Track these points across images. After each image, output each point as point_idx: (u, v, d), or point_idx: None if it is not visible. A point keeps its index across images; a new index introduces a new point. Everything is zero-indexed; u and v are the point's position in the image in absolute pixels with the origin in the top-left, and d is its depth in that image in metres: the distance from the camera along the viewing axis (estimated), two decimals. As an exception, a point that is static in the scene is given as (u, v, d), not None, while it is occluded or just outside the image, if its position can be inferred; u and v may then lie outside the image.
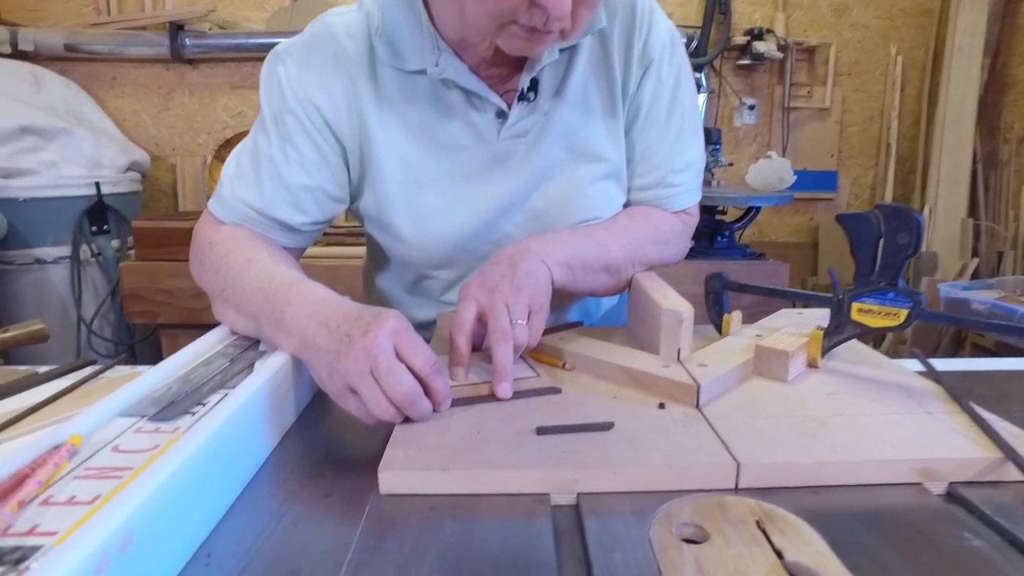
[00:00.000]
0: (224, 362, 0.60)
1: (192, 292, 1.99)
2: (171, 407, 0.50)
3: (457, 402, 0.58)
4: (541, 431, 0.53)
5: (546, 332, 0.74)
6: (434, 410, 0.54)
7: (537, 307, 0.63)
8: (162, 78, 2.56)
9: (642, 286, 0.72)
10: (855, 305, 0.63)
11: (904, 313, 0.60)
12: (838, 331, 0.65)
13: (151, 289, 1.99)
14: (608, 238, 0.75)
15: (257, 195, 0.72)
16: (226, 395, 0.52)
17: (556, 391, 0.61)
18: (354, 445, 0.57)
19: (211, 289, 0.69)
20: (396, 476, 0.47)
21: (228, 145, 2.46)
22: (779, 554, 0.40)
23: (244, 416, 0.49)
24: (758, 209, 2.08)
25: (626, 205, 0.83)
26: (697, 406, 0.57)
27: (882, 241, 0.59)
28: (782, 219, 2.77)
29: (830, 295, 0.66)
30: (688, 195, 0.83)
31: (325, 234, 2.12)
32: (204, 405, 0.51)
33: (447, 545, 0.41)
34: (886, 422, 0.54)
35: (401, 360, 0.51)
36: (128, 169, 2.41)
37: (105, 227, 2.30)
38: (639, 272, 0.78)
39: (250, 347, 0.64)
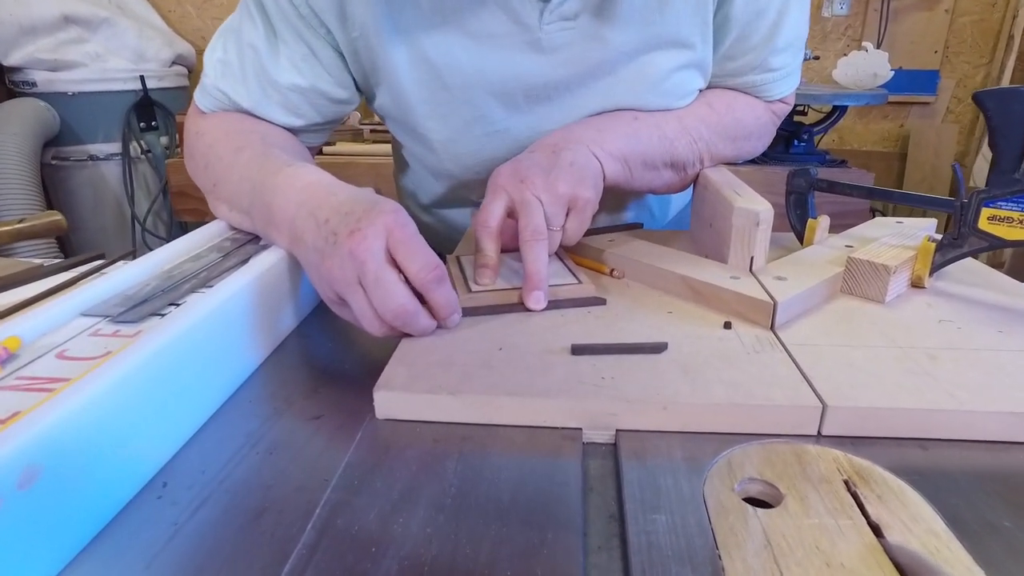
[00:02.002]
0: (216, 257, 0.52)
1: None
2: (140, 307, 0.43)
3: (480, 311, 0.49)
4: (577, 350, 0.43)
5: (594, 232, 0.63)
6: (439, 326, 0.46)
7: (581, 204, 0.52)
8: (204, -37, 2.43)
9: (711, 182, 0.60)
10: (986, 211, 0.49)
11: (1055, 222, 0.46)
12: (956, 244, 0.52)
13: (197, 187, 1.95)
14: (676, 130, 0.62)
15: (243, 91, 0.60)
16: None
17: (600, 302, 0.51)
18: (360, 357, 0.49)
19: (204, 185, 0.60)
20: (395, 398, 0.39)
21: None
22: (876, 530, 0.30)
23: (221, 319, 0.41)
24: (843, 110, 1.85)
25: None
26: (772, 328, 0.46)
27: (1037, 126, 0.45)
28: (867, 125, 2.49)
29: (950, 198, 0.52)
30: (788, 80, 0.67)
31: (373, 131, 2.02)
32: (179, 306, 0.43)
33: (446, 490, 0.33)
34: (1022, 361, 0.42)
35: (397, 265, 0.42)
36: (173, 63, 2.34)
37: (153, 123, 2.27)
38: (707, 168, 0.65)
39: (249, 241, 0.56)
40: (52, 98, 2.08)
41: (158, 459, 0.35)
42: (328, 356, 0.49)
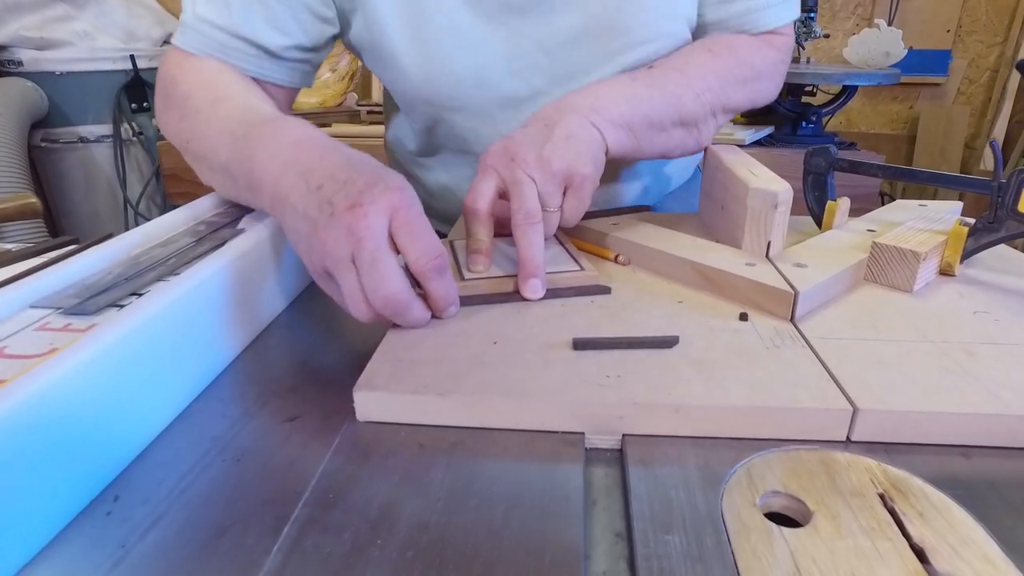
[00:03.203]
0: (189, 242, 0.48)
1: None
2: (98, 297, 0.39)
3: (474, 300, 0.45)
4: (579, 345, 0.39)
5: (598, 215, 0.59)
6: (433, 316, 0.42)
7: (578, 181, 0.48)
8: (195, -61, 2.35)
9: (722, 160, 0.55)
10: (1026, 191, 0.45)
11: (1103, 203, 0.42)
12: (992, 228, 0.48)
13: (190, 169, 1.91)
14: (680, 84, 0.57)
15: (225, 10, 0.57)
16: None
17: (604, 291, 0.47)
18: (346, 350, 0.45)
19: (178, 140, 0.56)
20: (377, 399, 0.35)
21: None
22: (920, 554, 0.26)
23: (187, 311, 0.37)
24: (853, 91, 1.79)
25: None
26: (792, 320, 0.43)
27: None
28: (876, 107, 2.43)
29: (986, 178, 0.48)
30: (782, 7, 0.63)
31: (369, 112, 1.97)
32: (141, 296, 0.39)
33: (431, 506, 0.29)
34: (1067, 355, 0.38)
35: (396, 247, 0.38)
36: (165, 42, 2.28)
37: (145, 104, 2.22)
38: (718, 147, 0.61)
39: (226, 224, 0.52)
40: (39, 78, 2.03)
41: (110, 470, 0.32)
42: (310, 349, 0.46)
